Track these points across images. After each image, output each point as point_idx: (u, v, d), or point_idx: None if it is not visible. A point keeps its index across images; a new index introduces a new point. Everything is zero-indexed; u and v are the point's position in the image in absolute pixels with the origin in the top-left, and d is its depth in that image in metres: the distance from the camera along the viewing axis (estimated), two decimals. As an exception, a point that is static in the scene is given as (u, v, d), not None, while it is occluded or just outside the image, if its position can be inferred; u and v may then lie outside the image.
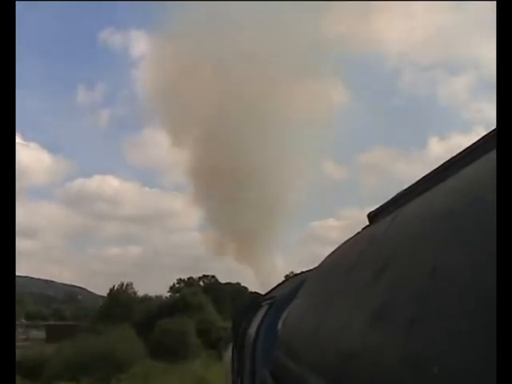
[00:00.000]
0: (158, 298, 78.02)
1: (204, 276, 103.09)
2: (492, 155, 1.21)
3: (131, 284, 70.61)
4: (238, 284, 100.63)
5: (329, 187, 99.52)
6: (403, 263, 1.39)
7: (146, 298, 75.10)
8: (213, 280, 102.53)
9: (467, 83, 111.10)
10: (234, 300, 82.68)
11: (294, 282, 6.79)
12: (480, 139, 1.60)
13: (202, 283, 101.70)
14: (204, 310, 68.90)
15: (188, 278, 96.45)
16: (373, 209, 2.59)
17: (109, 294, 67.38)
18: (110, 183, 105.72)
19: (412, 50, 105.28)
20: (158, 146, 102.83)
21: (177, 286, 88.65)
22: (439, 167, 1.88)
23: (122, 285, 69.47)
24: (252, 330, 7.66)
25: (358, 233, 2.56)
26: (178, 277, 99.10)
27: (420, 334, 1.07)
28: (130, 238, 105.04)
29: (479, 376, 0.82)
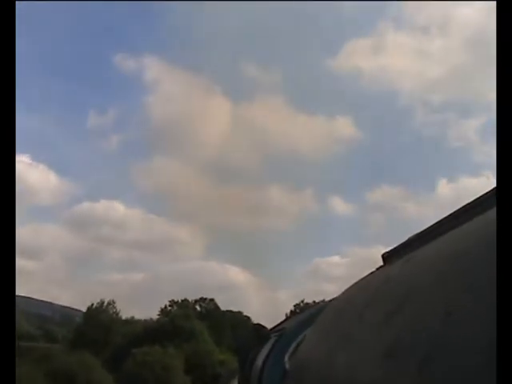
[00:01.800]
0: (146, 321, 66.82)
1: (201, 299, 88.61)
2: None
3: (113, 303, 60.23)
4: (240, 313, 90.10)
5: (335, 224, 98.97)
6: (418, 303, 1.44)
7: (132, 321, 64.53)
8: (211, 305, 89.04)
9: (478, 125, 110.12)
10: (235, 330, 75.39)
11: (301, 317, 6.81)
12: (487, 192, 1.68)
13: (198, 307, 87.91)
14: (198, 338, 58.71)
15: (182, 300, 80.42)
16: (379, 248, 2.67)
17: (86, 314, 57.94)
18: (116, 208, 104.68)
19: (424, 89, 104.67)
20: (167, 173, 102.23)
21: (169, 308, 74.32)
22: (451, 214, 1.96)
23: (102, 303, 59.08)
24: (259, 361, 7.64)
25: (372, 272, 2.61)
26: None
27: (432, 373, 1.12)
28: (132, 264, 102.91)
29: None
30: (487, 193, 1.75)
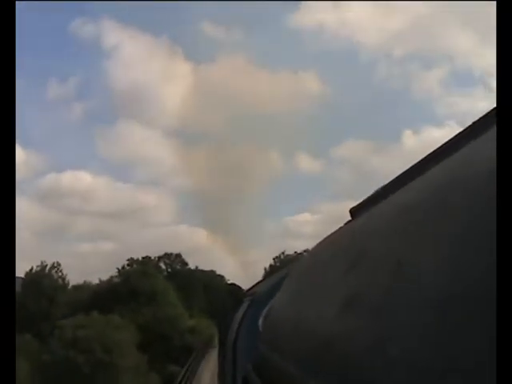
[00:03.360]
0: (98, 284, 54.50)
1: (166, 255, 75.61)
2: (466, 150, 1.28)
3: (58, 266, 48.36)
4: (213, 272, 79.11)
5: (303, 181, 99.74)
6: (374, 256, 1.46)
7: (83, 286, 52.61)
8: (178, 262, 75.86)
9: (441, 76, 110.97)
10: (207, 291, 68.34)
11: (274, 279, 6.85)
12: (456, 135, 1.67)
13: (163, 265, 75.03)
14: (161, 301, 47.55)
15: (143, 258, 66.99)
16: (348, 203, 2.66)
17: (24, 281, 45.13)
18: (83, 178, 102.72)
19: (386, 42, 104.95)
20: (132, 139, 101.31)
21: (127, 268, 60.35)
22: (418, 162, 1.94)
23: (44, 267, 47.42)
24: (234, 326, 7.71)
25: (340, 228, 2.62)
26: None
27: (381, 320, 1.14)
28: (102, 233, 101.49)
29: (434, 361, 0.88)
30: (446, 143, 1.74)
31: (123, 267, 60.14)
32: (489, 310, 0.76)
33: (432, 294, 0.96)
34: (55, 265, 49.52)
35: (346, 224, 2.63)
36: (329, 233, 2.77)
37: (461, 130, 1.73)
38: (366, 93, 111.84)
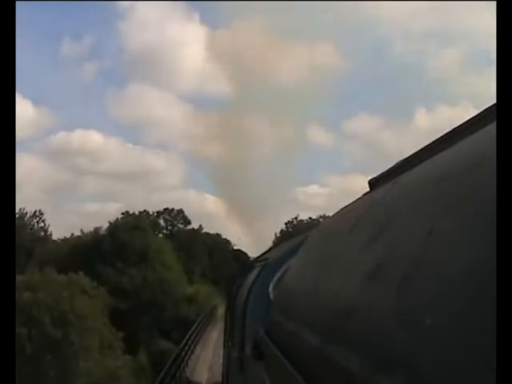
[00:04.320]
0: (81, 238, 44.50)
1: (166, 211, 67.14)
2: (492, 127, 1.27)
3: (41, 215, 41.75)
4: (219, 235, 72.22)
5: (314, 153, 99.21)
6: (400, 226, 1.45)
7: (68, 239, 43.84)
8: (180, 220, 67.19)
9: (458, 55, 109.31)
10: (212, 255, 62.77)
11: (287, 246, 6.87)
12: (480, 113, 1.65)
13: (162, 222, 65.60)
14: (155, 261, 38.55)
15: (140, 212, 57.85)
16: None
17: None
18: (93, 138, 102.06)
19: (405, 17, 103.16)
20: (145, 102, 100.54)
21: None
22: (440, 137, 1.93)
23: (24, 214, 40.38)
24: (244, 291, 7.75)
25: (358, 198, 2.61)
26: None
27: (412, 292, 1.13)
28: (109, 194, 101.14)
29: (465, 331, 0.88)
30: (472, 118, 1.72)
31: (117, 219, 49.09)
32: None
33: (463, 267, 0.95)
34: (37, 214, 42.06)
35: (364, 195, 2.62)
36: (337, 205, 2.76)
37: (474, 110, 1.72)
38: (381, 68, 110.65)
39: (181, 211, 66.45)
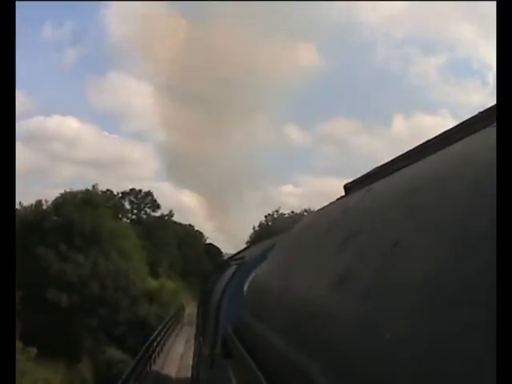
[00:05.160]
0: (20, 211, 33.79)
1: (132, 191, 58.64)
2: (469, 140, 1.28)
3: None
4: (191, 227, 65.78)
5: (289, 152, 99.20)
6: (369, 235, 1.46)
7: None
8: (148, 203, 58.78)
9: (439, 64, 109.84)
10: (182, 246, 56.75)
11: (264, 245, 6.88)
12: (458, 125, 1.67)
13: (127, 204, 57.04)
14: (110, 247, 30.64)
15: (102, 192, 46.57)
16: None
17: None
18: (70, 124, 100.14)
19: (387, 22, 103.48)
20: (123, 91, 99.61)
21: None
22: (415, 148, 1.94)
23: None
24: (219, 288, 7.75)
25: (333, 202, 2.62)
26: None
27: (375, 302, 1.14)
28: (83, 182, 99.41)
29: (423, 341, 0.89)
30: (451, 129, 1.73)
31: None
32: (486, 300, 0.77)
33: (426, 279, 0.96)
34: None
35: (339, 199, 2.63)
36: (310, 206, 2.76)
37: (453, 120, 1.74)
38: (361, 71, 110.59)
39: (149, 193, 59.77)
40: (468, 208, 0.96)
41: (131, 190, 58.28)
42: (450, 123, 1.76)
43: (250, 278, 5.86)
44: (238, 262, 7.86)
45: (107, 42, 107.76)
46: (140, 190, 58.87)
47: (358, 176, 2.57)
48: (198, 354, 11.13)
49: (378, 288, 1.16)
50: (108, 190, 51.01)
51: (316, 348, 1.44)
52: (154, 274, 38.45)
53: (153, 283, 34.69)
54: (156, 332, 23.65)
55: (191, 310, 33.20)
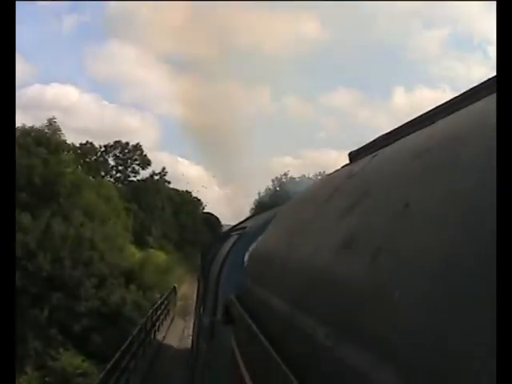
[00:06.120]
0: None
1: (118, 144, 47.85)
2: (471, 108, 1.27)
3: None
4: (189, 193, 57.97)
5: (289, 124, 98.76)
6: (377, 198, 1.44)
7: None
8: (136, 160, 48.32)
9: (440, 37, 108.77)
10: (178, 214, 51.14)
11: (266, 216, 6.87)
12: (459, 95, 1.66)
13: (111, 160, 46.07)
14: (75, 207, 23.06)
15: (81, 144, 41.64)
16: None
17: None
18: (69, 92, 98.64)
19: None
20: (122, 60, 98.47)
21: None
22: (420, 116, 1.93)
23: None
24: (219, 259, 7.77)
25: (337, 170, 2.61)
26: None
27: (384, 263, 1.13)
28: None
29: (431, 300, 0.89)
30: (453, 98, 1.72)
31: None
32: (492, 266, 0.76)
33: (437, 242, 0.95)
34: None
35: (343, 167, 2.62)
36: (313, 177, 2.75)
37: (453, 94, 1.72)
38: (363, 43, 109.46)
39: (138, 147, 48.25)
40: (477, 172, 0.95)
41: (116, 142, 46.57)
42: (451, 97, 1.75)
43: (251, 248, 5.88)
44: (238, 232, 7.87)
45: (107, 9, 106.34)
46: (127, 143, 48.93)
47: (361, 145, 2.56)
48: (198, 325, 11.19)
49: (387, 250, 1.14)
50: (87, 141, 43.41)
51: (321, 311, 1.43)
52: (141, 243, 32.14)
53: (135, 255, 28.29)
54: (135, 331, 16.71)
55: (187, 288, 30.14)
